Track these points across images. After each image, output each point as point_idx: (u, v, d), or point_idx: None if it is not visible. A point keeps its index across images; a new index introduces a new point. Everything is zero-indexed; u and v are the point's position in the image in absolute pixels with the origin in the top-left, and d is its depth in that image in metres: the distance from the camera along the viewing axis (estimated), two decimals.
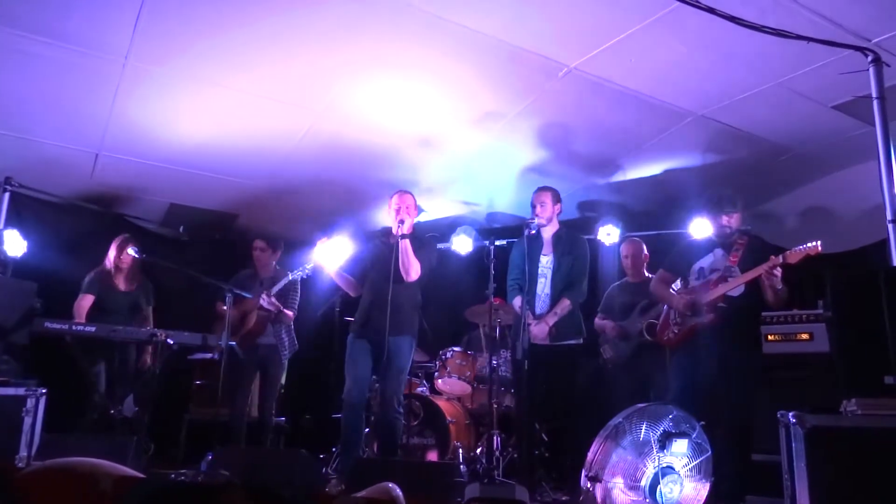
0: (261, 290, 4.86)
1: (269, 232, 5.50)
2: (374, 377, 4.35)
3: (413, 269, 4.00)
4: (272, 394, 4.94)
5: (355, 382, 3.97)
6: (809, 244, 3.37)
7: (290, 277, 4.81)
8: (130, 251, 4.80)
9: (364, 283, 4.22)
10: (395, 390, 3.96)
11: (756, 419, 3.56)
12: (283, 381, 5.19)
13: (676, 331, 3.79)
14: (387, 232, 4.27)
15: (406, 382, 4.06)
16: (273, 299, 4.78)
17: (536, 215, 4.19)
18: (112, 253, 4.88)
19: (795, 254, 3.39)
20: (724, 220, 3.74)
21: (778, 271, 3.39)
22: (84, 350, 4.59)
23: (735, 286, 3.58)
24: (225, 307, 4.62)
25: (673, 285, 4.04)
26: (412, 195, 4.23)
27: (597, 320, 4.85)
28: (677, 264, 3.98)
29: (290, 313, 4.93)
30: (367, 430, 5.01)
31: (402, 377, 4.01)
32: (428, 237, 4.50)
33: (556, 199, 4.27)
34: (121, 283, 4.92)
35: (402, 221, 4.02)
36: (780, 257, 3.41)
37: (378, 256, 4.20)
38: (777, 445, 2.94)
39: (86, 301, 4.78)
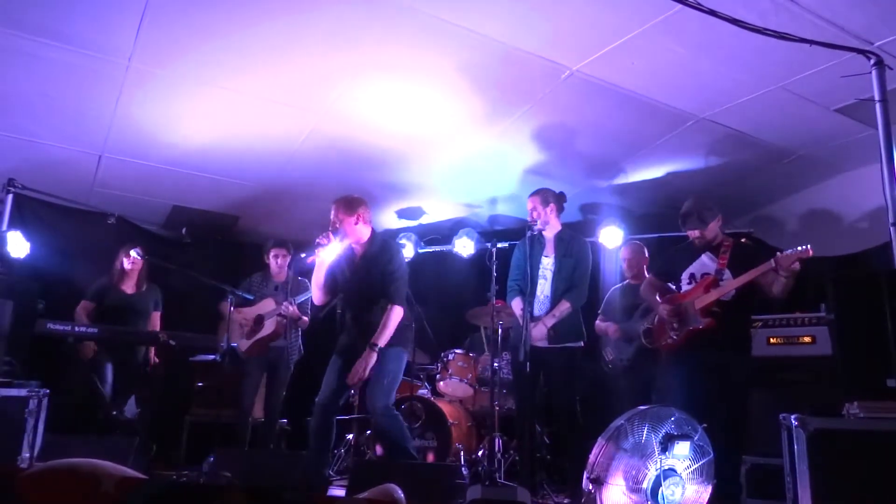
0: (277, 295, 4.86)
1: (273, 234, 5.51)
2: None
3: (398, 318, 3.74)
4: (278, 396, 4.95)
5: (326, 390, 3.76)
6: (800, 248, 3.31)
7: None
8: (133, 252, 4.83)
9: (332, 293, 3.97)
10: (376, 397, 3.71)
11: (758, 422, 3.56)
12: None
13: (675, 336, 3.78)
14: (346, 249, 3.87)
15: (392, 388, 3.75)
16: (296, 308, 4.77)
17: (535, 221, 4.18)
18: (121, 259, 4.98)
19: (787, 258, 3.32)
20: (695, 234, 3.79)
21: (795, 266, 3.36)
22: (86, 351, 4.60)
23: (730, 289, 3.58)
24: (230, 309, 4.64)
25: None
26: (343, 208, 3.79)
27: (598, 322, 4.84)
28: (666, 269, 4.00)
29: (307, 320, 4.94)
30: (368, 432, 5.03)
31: (383, 383, 3.71)
32: (389, 259, 3.84)
33: (547, 200, 4.20)
34: (128, 288, 4.98)
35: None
36: (772, 261, 3.38)
37: (344, 271, 3.88)
38: (779, 448, 2.94)
39: (84, 307, 4.84)
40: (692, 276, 3.79)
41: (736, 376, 3.54)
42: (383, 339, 3.67)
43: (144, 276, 5.08)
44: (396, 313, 3.72)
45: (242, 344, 4.81)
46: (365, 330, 3.75)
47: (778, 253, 3.39)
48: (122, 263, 4.96)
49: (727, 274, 3.64)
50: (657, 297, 3.90)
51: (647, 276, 4.77)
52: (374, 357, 3.64)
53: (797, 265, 3.35)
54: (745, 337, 3.61)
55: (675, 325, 3.77)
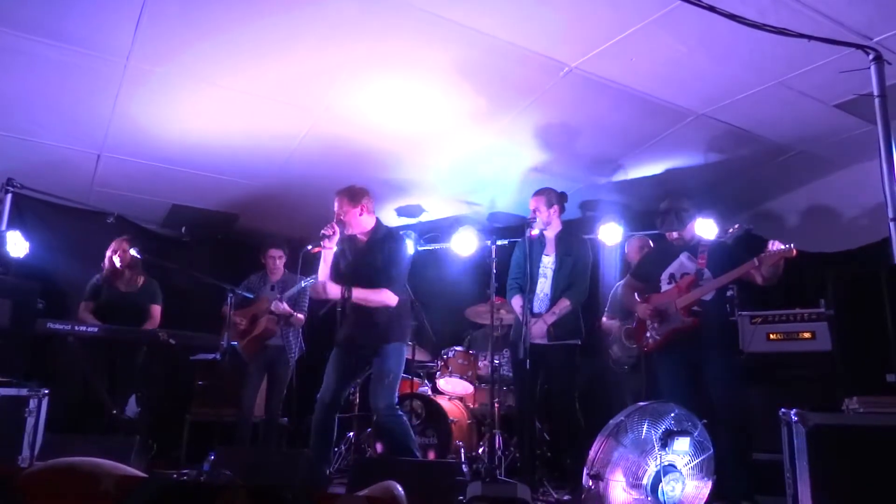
0: (273, 294, 4.87)
1: (272, 233, 5.51)
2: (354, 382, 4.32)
3: (387, 301, 3.73)
4: (279, 394, 4.96)
5: (327, 385, 3.76)
6: (783, 247, 3.33)
7: (303, 284, 4.79)
8: (133, 252, 4.81)
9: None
10: (379, 396, 3.69)
11: (758, 418, 3.56)
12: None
13: (658, 337, 3.78)
14: (350, 238, 3.92)
15: (394, 386, 3.72)
16: (285, 305, 4.78)
17: (535, 219, 4.19)
18: (110, 255, 4.87)
19: (770, 257, 3.34)
20: (674, 235, 3.83)
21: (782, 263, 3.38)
22: (86, 350, 4.59)
23: (711, 289, 3.59)
24: (229, 308, 4.64)
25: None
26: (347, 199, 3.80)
27: (604, 320, 4.84)
28: (645, 271, 4.00)
29: (301, 317, 4.94)
30: (368, 429, 5.03)
31: (385, 382, 3.69)
32: (391, 245, 3.86)
33: (551, 201, 4.23)
34: (122, 285, 4.91)
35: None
36: (755, 261, 3.41)
37: (348, 260, 3.90)
38: (779, 444, 2.95)
39: (85, 308, 4.82)
40: (671, 277, 3.80)
41: (722, 372, 3.56)
42: (359, 295, 3.66)
43: (139, 271, 4.96)
44: (385, 295, 3.71)
45: (240, 343, 4.83)
46: (365, 321, 3.74)
47: (762, 253, 3.40)
48: (112, 258, 4.85)
49: (707, 273, 3.65)
50: (636, 298, 3.91)
51: None
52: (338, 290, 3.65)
53: (781, 266, 3.37)
54: (729, 334, 3.63)
55: (655, 326, 3.77)
